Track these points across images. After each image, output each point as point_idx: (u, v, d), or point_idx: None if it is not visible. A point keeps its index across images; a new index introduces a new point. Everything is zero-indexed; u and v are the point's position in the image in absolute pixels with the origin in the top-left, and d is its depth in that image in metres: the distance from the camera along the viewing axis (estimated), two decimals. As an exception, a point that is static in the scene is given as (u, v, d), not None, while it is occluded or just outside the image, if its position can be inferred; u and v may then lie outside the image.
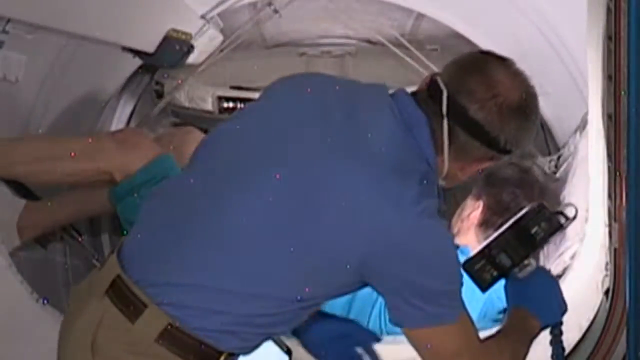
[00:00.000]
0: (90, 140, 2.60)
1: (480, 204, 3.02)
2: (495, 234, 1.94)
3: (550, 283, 1.97)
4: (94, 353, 1.72)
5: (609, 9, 2.15)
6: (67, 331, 1.80)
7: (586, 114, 2.68)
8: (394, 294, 1.75)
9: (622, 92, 2.06)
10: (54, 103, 3.03)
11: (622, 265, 2.31)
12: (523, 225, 1.93)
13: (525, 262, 1.94)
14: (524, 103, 1.79)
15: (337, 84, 1.85)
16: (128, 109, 3.63)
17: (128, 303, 1.70)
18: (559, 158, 3.27)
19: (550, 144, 3.55)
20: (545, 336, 2.01)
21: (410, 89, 1.85)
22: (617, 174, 2.20)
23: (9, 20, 2.70)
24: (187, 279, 1.70)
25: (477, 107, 1.76)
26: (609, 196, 2.33)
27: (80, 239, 2.98)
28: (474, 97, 1.76)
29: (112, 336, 1.72)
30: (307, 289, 1.74)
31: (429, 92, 1.80)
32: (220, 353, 1.73)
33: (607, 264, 2.43)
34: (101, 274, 1.78)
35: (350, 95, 1.82)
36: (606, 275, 2.44)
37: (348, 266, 1.71)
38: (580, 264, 2.68)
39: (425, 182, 1.75)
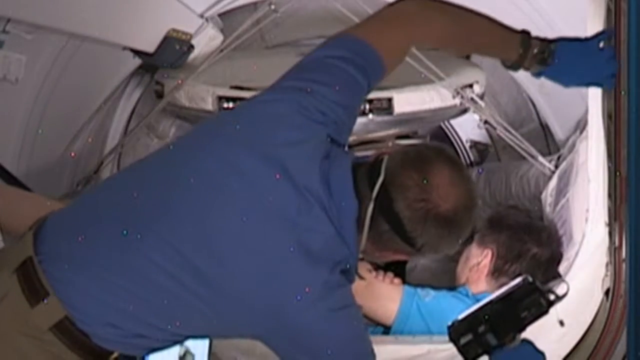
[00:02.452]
0: None
1: (489, 252, 2.93)
2: (483, 302, 1.94)
3: (536, 357, 1.92)
4: None
5: (609, 9, 2.16)
6: None
7: (586, 113, 2.68)
8: None
9: (622, 92, 2.06)
10: (54, 103, 3.03)
11: (622, 265, 2.31)
12: (513, 306, 1.91)
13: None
14: (452, 215, 1.73)
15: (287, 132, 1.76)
16: (128, 109, 3.63)
17: (32, 287, 1.73)
18: (559, 158, 3.27)
19: (550, 144, 3.55)
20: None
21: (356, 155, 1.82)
22: (617, 174, 2.20)
23: (9, 20, 2.71)
24: (92, 289, 1.73)
25: (405, 204, 1.71)
26: (609, 196, 2.33)
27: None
28: (405, 193, 1.71)
29: (10, 314, 1.74)
30: (195, 331, 1.79)
31: (370, 171, 1.75)
32: (112, 353, 1.77)
33: (607, 264, 2.43)
34: (16, 249, 1.80)
35: (289, 158, 1.73)
36: (606, 275, 2.45)
37: (242, 333, 1.77)
38: (580, 264, 2.68)
39: (339, 269, 1.73)
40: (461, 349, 1.92)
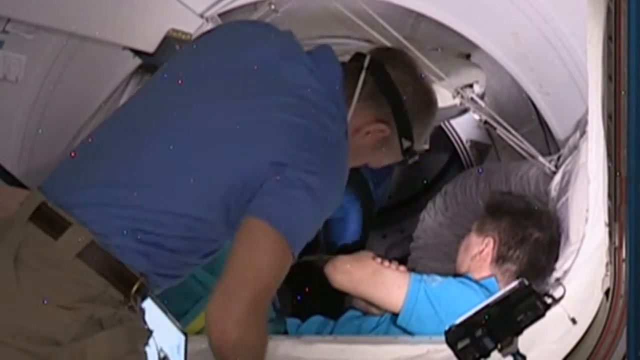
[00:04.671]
0: None
1: (490, 240, 2.93)
2: (481, 305, 1.95)
3: None
4: (17, 265, 1.76)
5: (609, 9, 2.16)
6: None
7: (586, 113, 2.68)
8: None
9: (622, 92, 2.07)
10: (54, 103, 3.03)
11: (622, 265, 2.31)
12: (509, 309, 1.93)
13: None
14: (435, 101, 2.03)
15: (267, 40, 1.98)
16: (128, 109, 3.63)
17: (52, 223, 1.77)
18: (559, 158, 3.27)
19: (550, 144, 3.55)
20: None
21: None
22: (617, 174, 2.21)
23: (9, 20, 2.71)
24: (106, 198, 1.79)
25: (398, 72, 1.97)
26: (609, 196, 2.33)
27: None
28: (391, 62, 1.99)
29: (35, 252, 1.77)
30: (208, 212, 1.82)
31: (351, 61, 2.00)
32: (136, 278, 1.79)
33: (607, 264, 2.43)
34: (22, 208, 1.83)
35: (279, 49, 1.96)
36: (606, 275, 2.45)
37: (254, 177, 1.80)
38: (580, 264, 2.68)
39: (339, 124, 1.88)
40: (458, 354, 1.93)
